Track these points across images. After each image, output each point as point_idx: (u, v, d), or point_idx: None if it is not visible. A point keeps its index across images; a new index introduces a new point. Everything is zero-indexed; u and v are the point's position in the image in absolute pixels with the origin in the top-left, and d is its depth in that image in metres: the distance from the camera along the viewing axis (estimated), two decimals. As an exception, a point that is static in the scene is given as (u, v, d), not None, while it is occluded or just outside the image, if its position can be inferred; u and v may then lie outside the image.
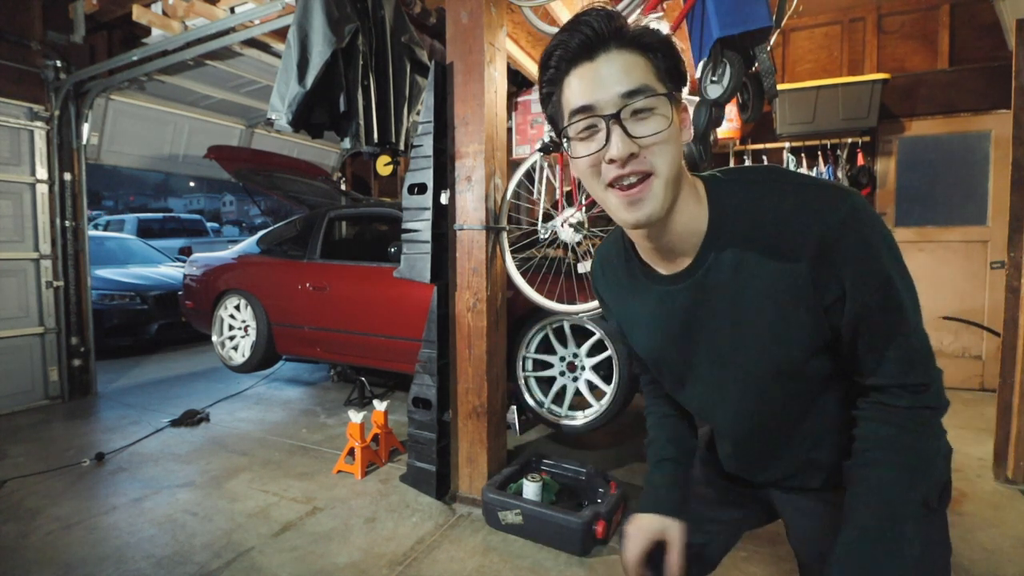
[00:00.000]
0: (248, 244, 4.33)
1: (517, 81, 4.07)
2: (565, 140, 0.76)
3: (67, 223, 3.86)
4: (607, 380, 2.70)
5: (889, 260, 0.69)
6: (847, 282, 0.70)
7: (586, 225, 2.30)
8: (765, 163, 4.43)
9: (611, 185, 0.72)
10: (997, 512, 2.24)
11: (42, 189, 3.74)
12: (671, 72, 0.72)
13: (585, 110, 0.71)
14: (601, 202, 0.76)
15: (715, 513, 1.02)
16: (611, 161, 0.70)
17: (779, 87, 3.01)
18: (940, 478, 0.78)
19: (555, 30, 2.42)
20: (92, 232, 5.69)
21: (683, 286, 0.80)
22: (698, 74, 1.94)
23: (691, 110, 2.07)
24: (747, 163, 4.42)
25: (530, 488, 2.15)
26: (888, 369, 0.72)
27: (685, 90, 0.77)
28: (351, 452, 2.66)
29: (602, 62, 0.70)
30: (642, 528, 0.93)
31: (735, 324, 0.77)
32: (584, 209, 2.30)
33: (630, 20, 2.15)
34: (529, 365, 2.89)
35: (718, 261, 0.76)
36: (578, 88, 0.71)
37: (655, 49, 0.71)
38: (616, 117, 0.69)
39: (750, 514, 1.03)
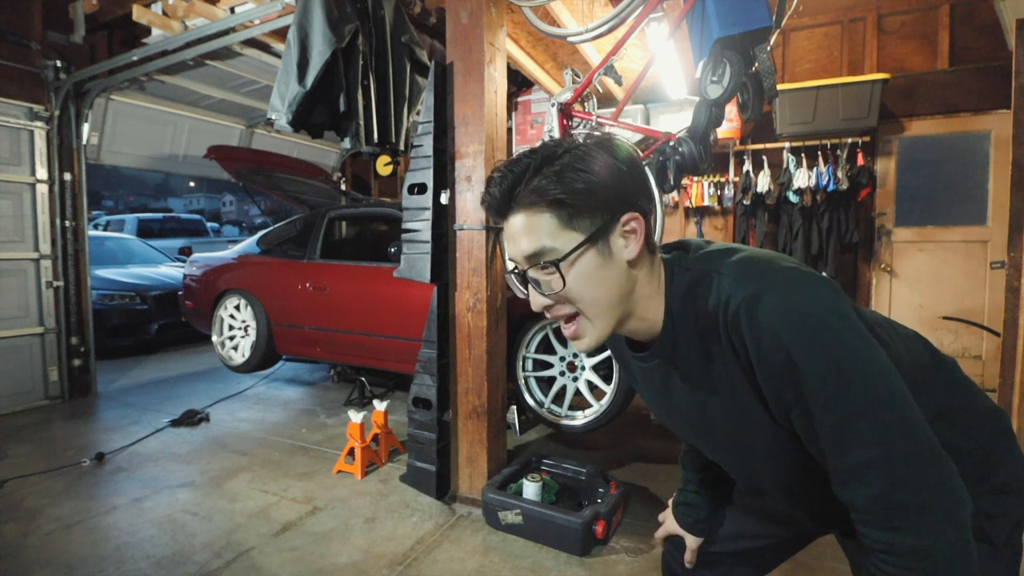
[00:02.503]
0: (248, 244, 4.33)
1: (517, 81, 4.07)
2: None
3: (67, 223, 3.86)
4: (607, 380, 2.70)
5: (810, 350, 0.61)
6: (769, 385, 0.66)
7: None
8: (789, 167, 4.42)
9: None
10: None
11: (42, 189, 3.74)
12: (583, 211, 0.69)
13: (511, 260, 0.76)
14: None
15: (764, 526, 1.03)
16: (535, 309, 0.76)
17: (779, 87, 3.00)
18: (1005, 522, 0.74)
19: (555, 30, 2.43)
20: (92, 232, 5.69)
21: (650, 365, 0.83)
22: (698, 74, 1.94)
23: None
24: (747, 163, 4.42)
25: (530, 488, 2.15)
26: (854, 501, 0.63)
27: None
28: (351, 452, 2.66)
29: (510, 222, 0.74)
30: (670, 528, 1.10)
31: (700, 406, 0.79)
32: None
33: (629, 20, 2.15)
34: (529, 365, 2.89)
35: (674, 350, 0.77)
36: (506, 238, 0.76)
37: (555, 202, 0.69)
38: (524, 275, 0.74)
39: (797, 532, 1.02)
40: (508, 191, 0.72)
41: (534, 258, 0.72)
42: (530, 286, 0.75)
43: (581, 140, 0.74)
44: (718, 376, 0.73)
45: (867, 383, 0.61)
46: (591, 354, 2.73)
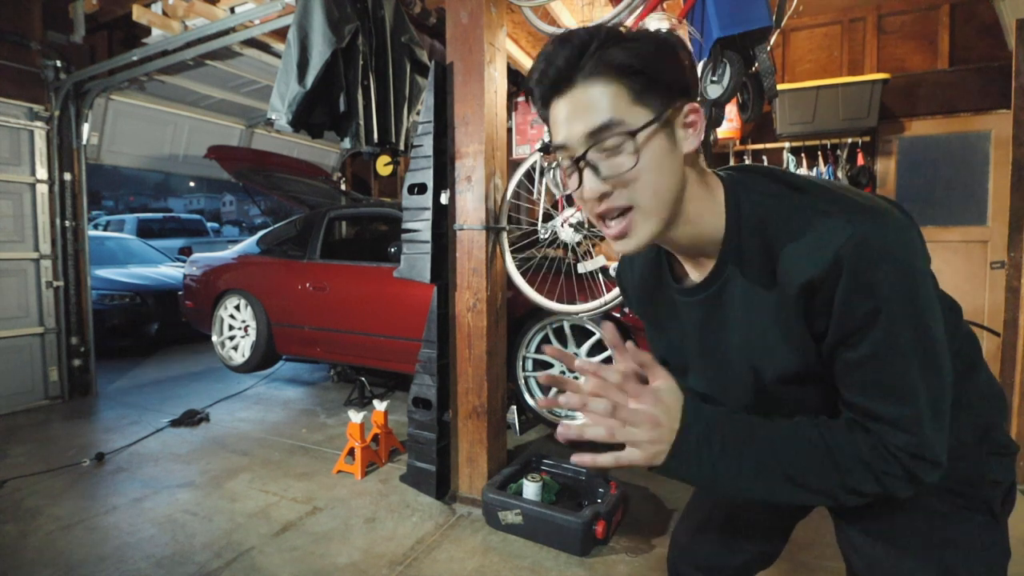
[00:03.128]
0: (248, 244, 4.34)
1: (517, 81, 4.07)
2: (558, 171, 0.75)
3: (67, 223, 3.86)
4: (607, 380, 2.69)
5: (896, 307, 0.62)
6: (835, 331, 0.66)
7: (586, 225, 2.30)
8: (789, 167, 4.42)
9: (599, 218, 0.71)
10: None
11: (42, 189, 3.74)
12: (657, 86, 0.66)
13: (560, 149, 0.70)
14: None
15: (745, 542, 1.03)
16: (587, 200, 0.69)
17: (779, 87, 3.00)
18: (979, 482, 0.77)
19: (555, 30, 2.42)
20: (92, 232, 5.69)
21: (698, 299, 0.78)
22: (698, 74, 1.94)
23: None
24: (747, 163, 4.42)
25: (530, 488, 2.15)
26: (863, 398, 0.67)
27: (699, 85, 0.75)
28: (351, 452, 2.66)
29: (570, 98, 0.67)
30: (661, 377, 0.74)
31: (744, 344, 0.76)
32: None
33: (629, 21, 2.15)
34: (529, 365, 2.89)
35: (730, 278, 0.73)
36: (555, 124, 0.70)
37: (628, 69, 0.64)
38: (583, 158, 0.67)
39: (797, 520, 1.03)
40: (574, 58, 0.65)
41: (600, 133, 0.65)
42: (585, 172, 0.67)
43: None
44: (768, 309, 0.70)
45: (932, 345, 0.64)
46: (590, 354, 2.72)
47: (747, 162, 4.45)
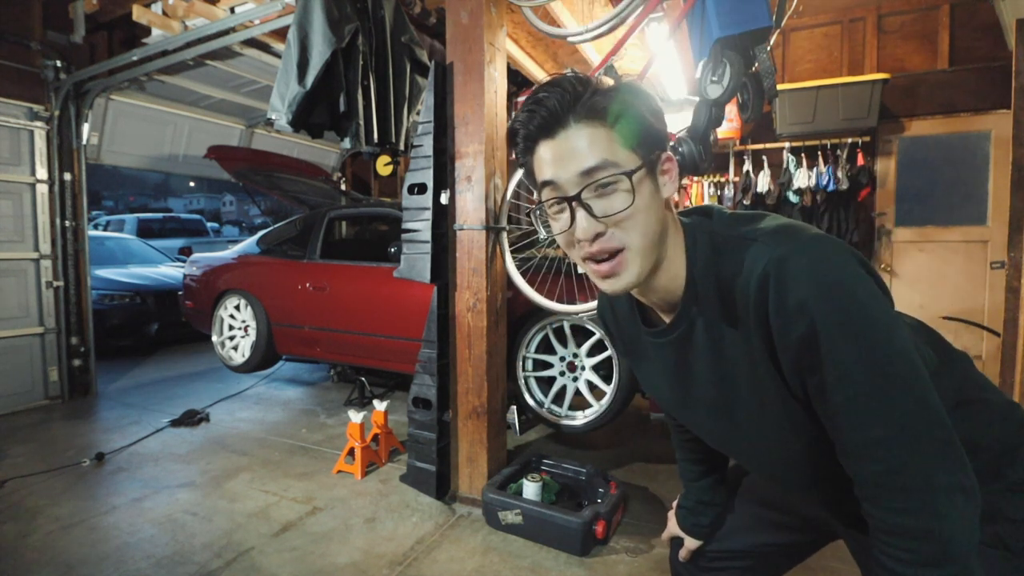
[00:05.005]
0: (248, 244, 4.33)
1: (517, 81, 4.06)
2: (541, 212, 0.75)
3: (67, 223, 3.86)
4: (607, 380, 2.69)
5: (832, 325, 0.60)
6: (787, 353, 0.65)
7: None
8: (789, 167, 4.43)
9: (586, 259, 0.72)
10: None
11: (42, 189, 3.74)
12: (644, 138, 0.69)
13: (550, 187, 0.70)
14: (584, 270, 0.76)
15: (773, 535, 1.02)
16: (579, 241, 0.70)
17: (779, 87, 3.00)
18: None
19: (555, 30, 2.42)
20: (92, 232, 5.69)
21: (667, 340, 0.80)
22: (698, 74, 1.94)
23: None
24: (747, 163, 4.42)
25: (530, 488, 2.15)
26: (861, 476, 0.64)
27: (677, 130, 0.78)
28: (351, 452, 2.66)
29: (561, 139, 0.69)
30: (672, 530, 1.11)
31: (719, 381, 0.77)
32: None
33: (629, 20, 2.15)
34: (529, 365, 2.89)
35: (694, 321, 0.75)
36: (542, 164, 0.71)
37: (623, 119, 0.68)
38: (577, 198, 0.68)
39: (812, 538, 1.01)
40: (567, 102, 0.67)
41: (595, 173, 0.67)
42: (578, 213, 0.68)
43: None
44: (738, 345, 0.71)
45: (888, 359, 0.60)
46: (590, 354, 2.73)
47: (749, 164, 4.45)
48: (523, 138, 0.72)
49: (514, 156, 0.77)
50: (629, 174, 0.67)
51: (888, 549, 0.62)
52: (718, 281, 0.71)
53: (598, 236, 0.69)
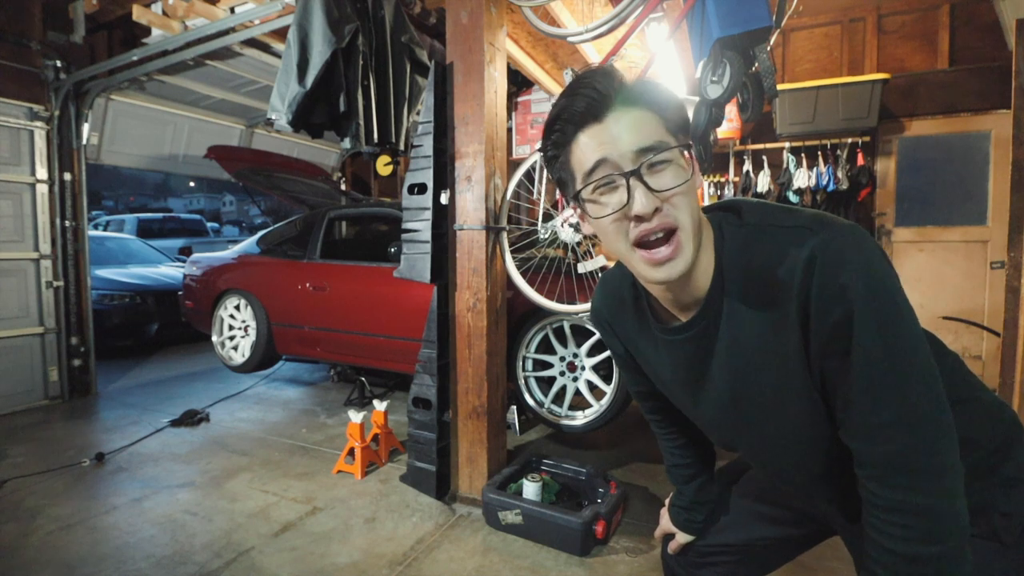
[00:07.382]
0: (248, 244, 4.33)
1: (517, 81, 4.07)
2: (579, 202, 0.74)
3: (67, 223, 3.86)
4: (607, 380, 2.70)
5: (869, 311, 0.63)
6: (820, 335, 0.67)
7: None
8: (789, 167, 4.43)
9: (638, 245, 0.71)
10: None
11: (42, 189, 3.74)
12: (680, 125, 0.72)
13: (602, 166, 0.70)
14: (625, 261, 0.75)
15: (767, 529, 1.03)
16: (636, 217, 0.69)
17: (779, 87, 3.00)
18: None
19: (555, 30, 2.42)
20: (92, 232, 5.69)
21: (687, 336, 0.80)
22: (698, 74, 1.94)
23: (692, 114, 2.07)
24: (747, 163, 4.42)
25: (530, 488, 2.15)
26: (870, 456, 0.67)
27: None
28: (351, 452, 2.66)
29: (611, 121, 0.69)
30: (665, 527, 1.12)
31: (737, 375, 0.77)
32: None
33: (629, 20, 2.16)
34: (529, 365, 2.89)
35: (719, 315, 0.75)
36: (590, 147, 0.70)
37: (663, 105, 0.71)
38: (636, 173, 0.68)
39: (806, 532, 1.02)
40: (615, 87, 0.69)
41: (651, 151, 0.68)
42: (637, 189, 0.68)
43: None
44: (767, 338, 0.72)
45: (913, 350, 0.64)
46: (590, 354, 2.73)
47: (749, 164, 4.45)
48: (564, 123, 0.72)
49: (540, 150, 0.78)
50: (683, 148, 0.70)
51: (885, 527, 0.66)
52: (749, 272, 0.72)
53: (656, 212, 0.69)
